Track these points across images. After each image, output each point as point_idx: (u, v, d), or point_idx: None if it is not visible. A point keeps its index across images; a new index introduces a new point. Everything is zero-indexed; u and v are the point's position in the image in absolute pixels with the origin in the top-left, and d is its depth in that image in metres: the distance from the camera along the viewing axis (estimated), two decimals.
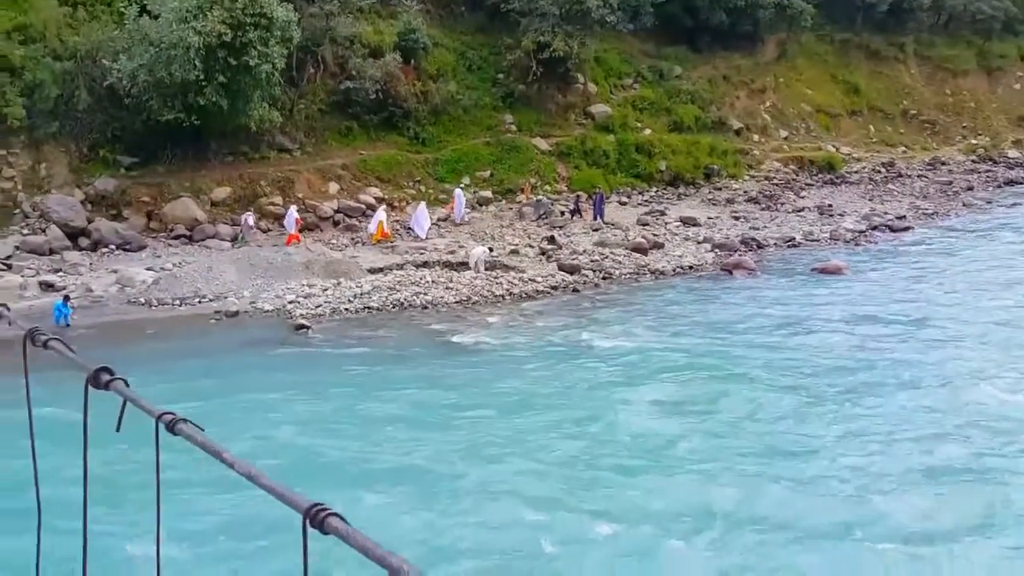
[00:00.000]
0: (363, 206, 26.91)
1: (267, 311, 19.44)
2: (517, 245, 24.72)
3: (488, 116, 31.69)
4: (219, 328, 18.47)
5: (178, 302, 19.37)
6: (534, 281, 21.76)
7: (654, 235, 26.59)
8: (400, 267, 22.59)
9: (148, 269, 20.93)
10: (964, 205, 35.56)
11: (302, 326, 18.35)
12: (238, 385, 15.19)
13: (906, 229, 30.35)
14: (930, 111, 44.80)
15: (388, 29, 30.02)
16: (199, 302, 19.54)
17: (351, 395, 14.89)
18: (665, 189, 32.61)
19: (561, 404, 14.58)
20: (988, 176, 41.43)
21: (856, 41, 44.52)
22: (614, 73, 36.30)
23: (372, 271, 22.18)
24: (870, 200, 35.13)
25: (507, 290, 21.18)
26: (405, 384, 15.52)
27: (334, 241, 24.94)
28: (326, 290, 20.47)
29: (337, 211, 26.44)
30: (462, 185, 28.45)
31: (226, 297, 19.79)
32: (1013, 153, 44.61)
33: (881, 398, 14.70)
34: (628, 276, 23.08)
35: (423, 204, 26.55)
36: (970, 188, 38.98)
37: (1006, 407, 14.05)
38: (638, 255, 24.24)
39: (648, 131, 34.42)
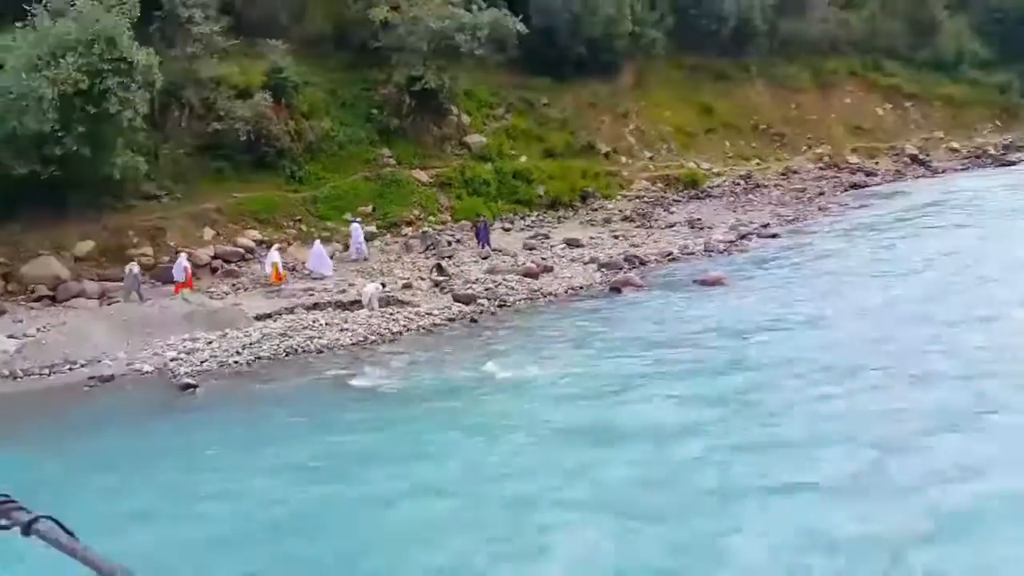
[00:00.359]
0: (242, 250, 25.21)
1: (147, 372, 17.57)
2: (408, 279, 23.63)
3: (366, 151, 30.45)
4: (94, 396, 16.42)
5: (47, 371, 17.14)
6: (431, 315, 20.73)
7: (542, 259, 26.16)
8: (290, 311, 21.06)
9: (10, 337, 18.53)
10: (820, 209, 37.19)
11: (188, 385, 16.60)
12: (117, 461, 13.41)
13: (773, 236, 31.24)
14: (777, 125, 46.85)
15: (255, 69, 28.38)
16: (69, 369, 17.37)
17: (247, 457, 13.43)
18: (545, 213, 32.33)
19: (469, 442, 13.66)
20: (835, 182, 43.68)
21: (705, 65, 46.15)
22: (485, 104, 35.89)
23: (259, 318, 20.55)
24: (734, 211, 36.15)
25: (404, 326, 20.07)
26: (304, 437, 14.16)
27: (214, 289, 23.10)
28: (211, 343, 18.73)
29: (215, 257, 24.56)
30: (358, 219, 26.98)
31: (99, 361, 17.75)
32: (853, 159, 47.32)
33: (784, 402, 14.49)
34: (523, 301, 22.39)
35: (318, 242, 25.14)
36: (821, 193, 40.94)
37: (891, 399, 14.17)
38: (530, 280, 23.70)
39: (523, 158, 34.12)
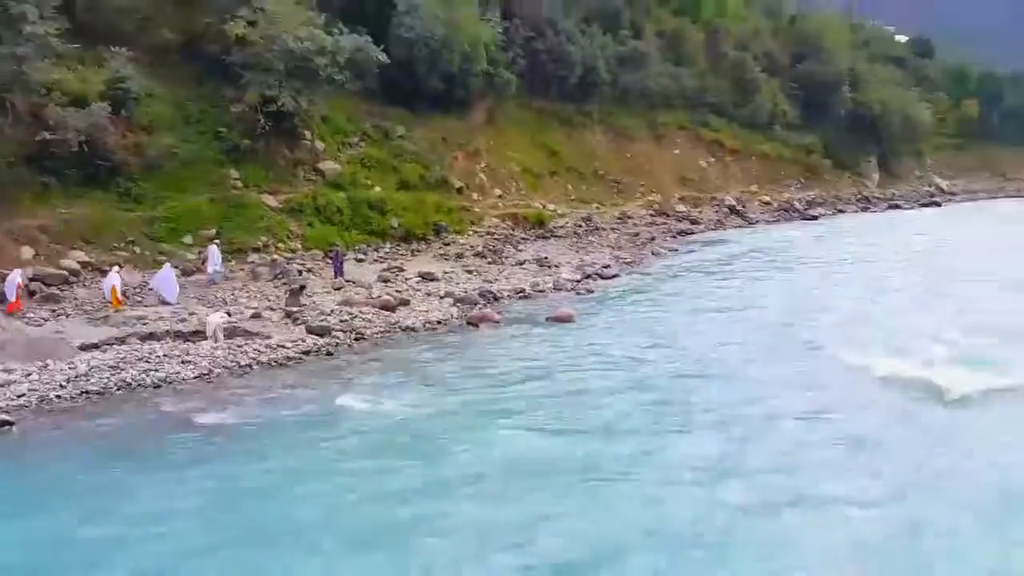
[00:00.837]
0: (66, 272, 22.44)
1: None
2: (257, 308, 21.98)
3: (211, 171, 28.13)
4: None
5: None
6: (283, 347, 19.17)
7: (398, 291, 25.12)
8: (121, 341, 18.81)
9: None
10: (653, 254, 38.59)
11: (3, 422, 14.41)
12: None
13: (614, 277, 32.03)
14: (615, 171, 48.59)
15: (94, 77, 25.67)
16: None
17: (69, 507, 11.59)
18: (398, 245, 31.31)
19: (322, 484, 12.51)
20: (665, 228, 45.70)
21: (553, 109, 47.33)
22: (341, 131, 34.61)
23: (86, 348, 18.18)
24: (577, 252, 36.77)
25: (254, 359, 18.38)
26: (138, 482, 12.42)
27: (31, 315, 20.36)
28: (29, 375, 16.33)
29: (33, 279, 21.70)
30: (216, 242, 24.88)
31: None
32: (680, 208, 49.85)
33: (638, 429, 14.65)
34: (380, 335, 21.23)
35: (168, 265, 22.90)
36: (653, 239, 42.60)
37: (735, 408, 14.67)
38: (387, 313, 22.60)
39: (377, 188, 33.10)
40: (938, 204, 68.26)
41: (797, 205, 57.97)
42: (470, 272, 29.55)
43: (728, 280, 31.35)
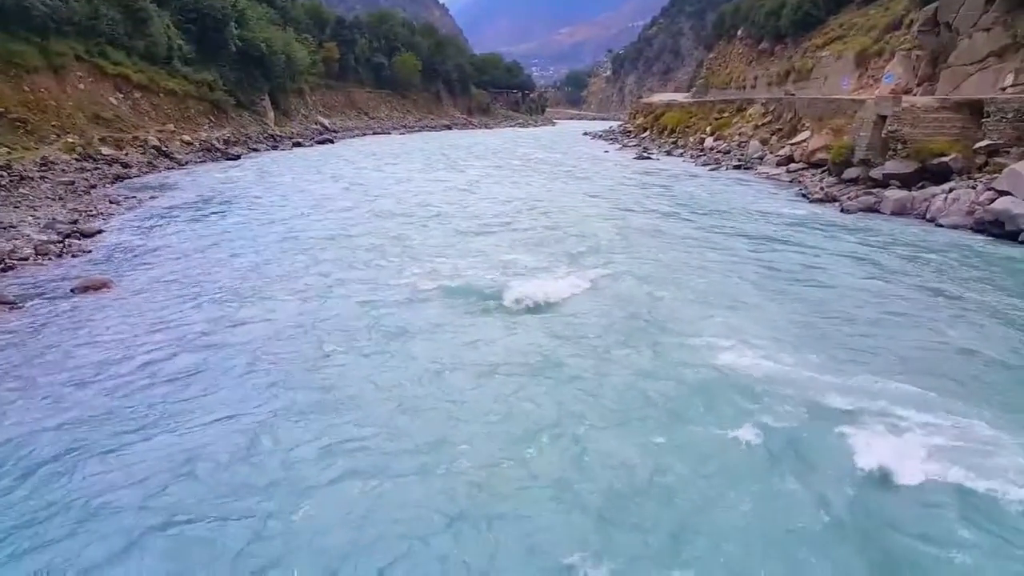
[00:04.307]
0: None
1: None
2: None
3: None
4: None
5: None
6: None
7: None
8: None
9: None
10: (111, 202, 32.46)
11: None
12: None
13: (98, 232, 26.17)
14: (18, 110, 38.67)
15: None
16: None
17: None
18: None
19: None
20: (99, 174, 38.54)
21: None
22: None
23: None
24: (16, 208, 28.69)
25: None
26: None
27: None
28: None
29: None
30: None
31: None
32: (106, 151, 42.68)
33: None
34: None
35: None
36: (94, 186, 35.67)
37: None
38: None
39: None
40: (332, 141, 72.99)
41: (217, 144, 55.12)
42: None
43: (221, 219, 28.58)
